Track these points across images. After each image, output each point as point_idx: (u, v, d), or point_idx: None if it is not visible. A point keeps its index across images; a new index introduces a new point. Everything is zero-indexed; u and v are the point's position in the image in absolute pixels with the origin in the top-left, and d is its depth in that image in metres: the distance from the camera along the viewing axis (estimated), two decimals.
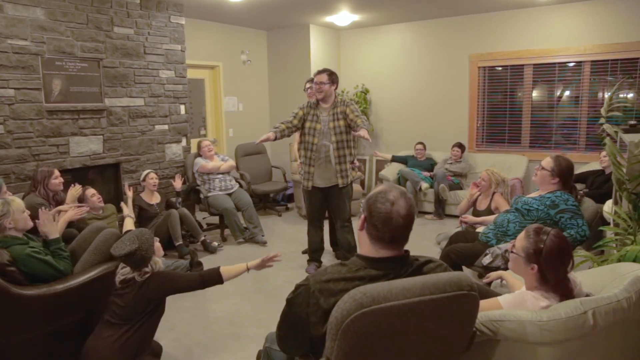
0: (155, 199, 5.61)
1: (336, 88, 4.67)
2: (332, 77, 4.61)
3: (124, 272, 2.75)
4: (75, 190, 4.41)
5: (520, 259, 2.24)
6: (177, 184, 5.88)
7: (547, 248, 2.15)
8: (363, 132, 4.24)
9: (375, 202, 1.72)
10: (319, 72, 4.64)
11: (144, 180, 5.59)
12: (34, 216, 3.23)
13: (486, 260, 3.45)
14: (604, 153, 5.38)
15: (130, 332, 2.68)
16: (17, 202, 3.13)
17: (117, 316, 2.71)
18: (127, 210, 4.67)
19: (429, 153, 7.79)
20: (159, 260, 2.84)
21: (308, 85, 5.54)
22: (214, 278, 2.85)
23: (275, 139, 4.56)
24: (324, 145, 4.62)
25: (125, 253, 2.66)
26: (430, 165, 7.57)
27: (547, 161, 3.51)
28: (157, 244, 2.89)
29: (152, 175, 5.58)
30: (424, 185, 7.03)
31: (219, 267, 2.89)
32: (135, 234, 2.75)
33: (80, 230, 4.11)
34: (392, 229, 1.69)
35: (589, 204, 3.65)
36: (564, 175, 3.47)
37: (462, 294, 1.64)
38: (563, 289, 2.14)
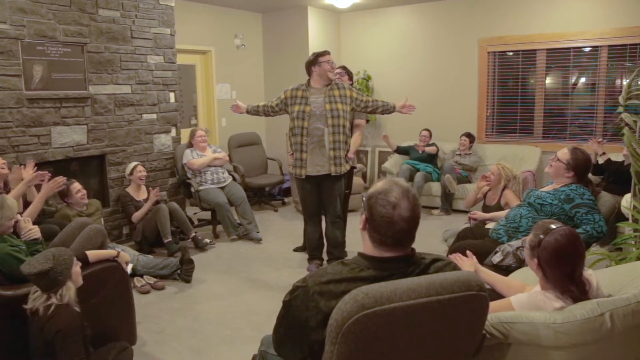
0: (143, 194, 5.59)
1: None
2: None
3: (35, 297, 2.58)
4: (17, 172, 4.25)
5: (527, 251, 2.29)
6: (155, 194, 5.54)
7: (545, 244, 2.17)
8: (403, 104, 4.75)
9: (375, 205, 1.70)
10: (328, 52, 4.66)
11: (130, 173, 5.56)
12: None
13: (496, 258, 3.44)
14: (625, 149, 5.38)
15: None
16: (11, 201, 3.17)
17: (38, 355, 2.56)
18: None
19: (433, 142, 7.67)
20: (72, 288, 2.61)
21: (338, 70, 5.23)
22: None
23: (248, 112, 5.00)
24: (317, 129, 4.58)
25: (36, 272, 2.48)
26: (431, 156, 7.50)
27: (564, 152, 3.51)
28: (77, 269, 2.69)
29: (140, 168, 5.56)
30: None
31: None
32: (52, 253, 2.59)
33: (62, 226, 4.11)
34: (395, 233, 1.68)
35: (606, 199, 3.65)
36: (580, 169, 3.46)
37: (471, 295, 1.63)
38: (565, 290, 2.13)
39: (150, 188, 5.62)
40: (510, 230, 3.64)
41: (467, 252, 2.88)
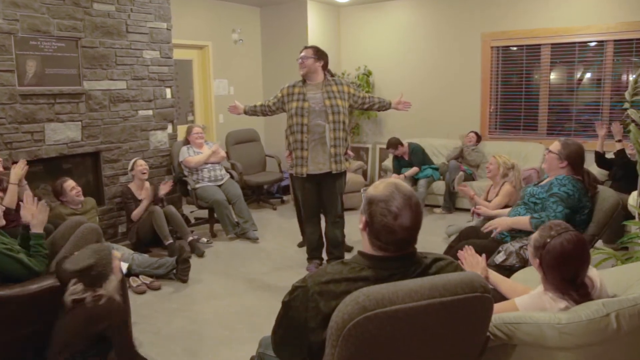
0: (145, 191, 5.57)
1: (324, 66, 4.66)
2: (319, 54, 4.62)
3: (74, 290, 2.63)
4: (20, 167, 4.27)
5: (531, 250, 2.29)
6: (164, 189, 5.73)
7: (550, 247, 2.16)
8: (398, 100, 4.96)
9: (376, 213, 1.68)
10: (305, 47, 4.68)
11: (132, 169, 5.55)
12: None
13: (499, 258, 3.44)
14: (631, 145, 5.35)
15: None
16: None
17: (58, 345, 2.59)
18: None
19: (414, 145, 7.42)
20: (115, 280, 2.74)
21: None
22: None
23: (245, 112, 4.93)
24: (318, 125, 4.55)
25: (80, 269, 2.58)
26: (423, 159, 7.38)
27: (555, 144, 3.54)
28: (117, 263, 2.83)
29: (141, 162, 5.54)
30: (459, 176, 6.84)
31: None
32: (94, 249, 2.73)
33: (56, 225, 4.10)
34: (396, 241, 1.69)
35: (608, 194, 3.59)
36: (573, 158, 3.45)
37: (475, 296, 1.62)
38: (565, 293, 2.13)
39: (162, 184, 5.69)
40: (513, 230, 3.63)
41: (472, 253, 2.87)
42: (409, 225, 1.67)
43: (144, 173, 5.53)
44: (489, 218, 4.40)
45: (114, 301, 2.66)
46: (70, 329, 2.58)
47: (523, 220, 3.51)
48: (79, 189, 4.84)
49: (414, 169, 7.18)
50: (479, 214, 4.49)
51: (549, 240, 2.17)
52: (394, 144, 7.28)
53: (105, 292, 2.64)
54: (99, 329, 2.54)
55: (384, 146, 8.51)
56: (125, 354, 2.62)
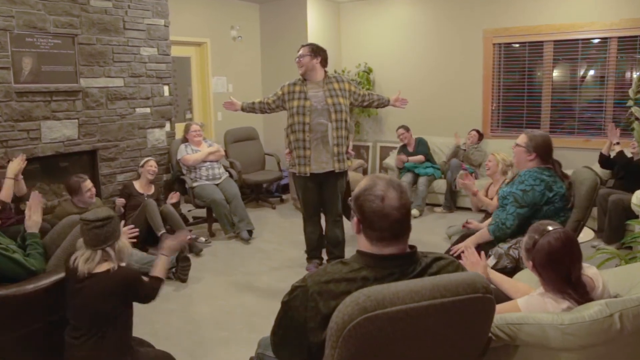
0: (148, 189, 5.58)
1: (322, 63, 4.63)
2: (315, 51, 4.59)
3: (85, 259, 2.66)
4: (17, 163, 4.23)
5: (523, 253, 2.31)
6: (173, 199, 5.75)
7: (538, 247, 2.19)
8: (396, 97, 5.00)
9: (364, 202, 1.72)
10: (302, 46, 4.66)
11: (142, 166, 5.57)
12: None
13: (490, 262, 3.41)
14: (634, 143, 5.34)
15: (102, 338, 2.63)
16: None
17: (81, 320, 2.64)
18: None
19: (420, 139, 7.48)
20: (127, 244, 2.82)
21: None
22: (158, 282, 2.93)
23: (243, 109, 4.90)
24: (321, 124, 4.54)
25: (103, 217, 2.66)
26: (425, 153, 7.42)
27: (522, 137, 3.50)
28: (125, 229, 2.97)
29: (153, 163, 5.57)
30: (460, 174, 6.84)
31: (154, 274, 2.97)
32: (107, 208, 2.95)
33: (52, 224, 4.10)
34: (391, 225, 1.70)
35: (584, 177, 3.50)
36: (540, 149, 3.41)
37: (477, 297, 1.62)
38: (564, 293, 2.13)
39: (171, 194, 5.77)
40: None
41: (472, 251, 2.87)
42: (398, 205, 1.70)
43: (151, 174, 5.56)
44: None
45: (125, 268, 2.75)
46: (92, 300, 2.63)
47: (483, 233, 3.54)
48: (94, 190, 4.83)
49: (420, 157, 7.24)
50: (469, 228, 4.48)
51: (537, 237, 2.20)
52: (406, 126, 7.39)
53: (114, 259, 2.69)
54: (118, 288, 2.65)
55: (385, 144, 8.55)
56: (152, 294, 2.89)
